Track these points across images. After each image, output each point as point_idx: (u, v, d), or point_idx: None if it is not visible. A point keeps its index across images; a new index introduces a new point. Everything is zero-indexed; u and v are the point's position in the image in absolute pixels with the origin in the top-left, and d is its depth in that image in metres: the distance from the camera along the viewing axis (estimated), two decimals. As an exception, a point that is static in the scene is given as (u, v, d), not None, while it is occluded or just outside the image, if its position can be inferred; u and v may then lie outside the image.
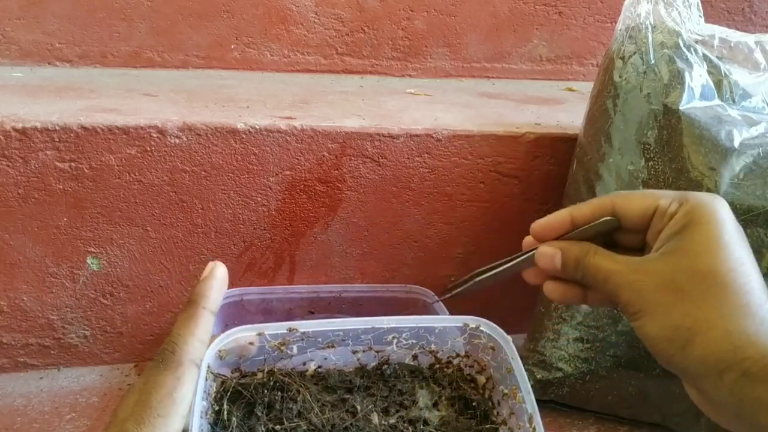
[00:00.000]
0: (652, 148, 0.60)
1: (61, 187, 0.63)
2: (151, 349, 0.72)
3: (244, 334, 0.43)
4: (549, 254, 0.40)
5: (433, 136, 0.69)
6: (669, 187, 0.59)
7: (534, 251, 0.41)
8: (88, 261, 0.66)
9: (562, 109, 0.88)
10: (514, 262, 0.42)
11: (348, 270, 0.74)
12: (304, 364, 0.46)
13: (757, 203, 0.56)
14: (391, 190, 0.71)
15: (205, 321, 0.39)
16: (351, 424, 0.44)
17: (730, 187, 0.57)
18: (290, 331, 0.44)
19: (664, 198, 0.37)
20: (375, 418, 0.45)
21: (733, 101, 0.61)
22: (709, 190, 0.57)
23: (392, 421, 0.45)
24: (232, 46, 0.98)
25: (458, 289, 0.42)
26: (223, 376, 0.44)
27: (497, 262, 0.42)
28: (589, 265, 0.39)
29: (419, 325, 0.46)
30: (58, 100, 0.70)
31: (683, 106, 0.58)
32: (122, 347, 0.72)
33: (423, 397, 0.47)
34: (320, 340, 0.45)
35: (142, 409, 0.35)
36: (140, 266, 0.68)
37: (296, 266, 0.72)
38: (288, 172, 0.68)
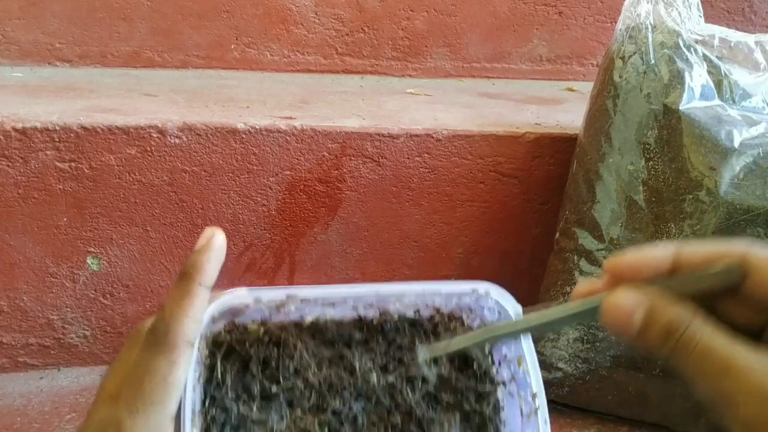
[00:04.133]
0: (652, 148, 0.60)
1: (61, 187, 0.63)
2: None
3: (240, 300, 0.40)
4: (627, 307, 0.28)
5: (433, 136, 0.69)
6: (669, 186, 0.59)
7: (598, 298, 0.28)
8: (88, 261, 0.66)
9: (562, 109, 0.88)
10: (562, 315, 0.29)
11: (348, 270, 0.74)
12: (301, 317, 0.44)
13: (757, 203, 0.56)
14: (391, 190, 0.71)
15: (201, 298, 0.35)
16: (349, 382, 0.43)
17: (730, 187, 0.57)
18: (289, 297, 0.42)
19: None
20: (373, 377, 0.43)
21: (733, 101, 0.61)
22: (709, 190, 0.57)
23: (391, 379, 0.44)
24: (232, 46, 0.98)
25: (467, 336, 0.35)
26: (217, 332, 0.42)
27: (542, 313, 0.30)
28: (692, 344, 0.26)
29: (425, 291, 0.44)
30: (58, 100, 0.70)
31: (683, 106, 0.58)
32: (122, 347, 0.72)
33: (422, 353, 0.45)
34: (320, 302, 0.43)
35: (134, 395, 0.33)
36: (140, 266, 0.68)
37: (296, 266, 0.72)
38: (288, 172, 0.68)
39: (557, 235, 0.67)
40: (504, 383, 0.45)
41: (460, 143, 0.70)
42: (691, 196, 0.58)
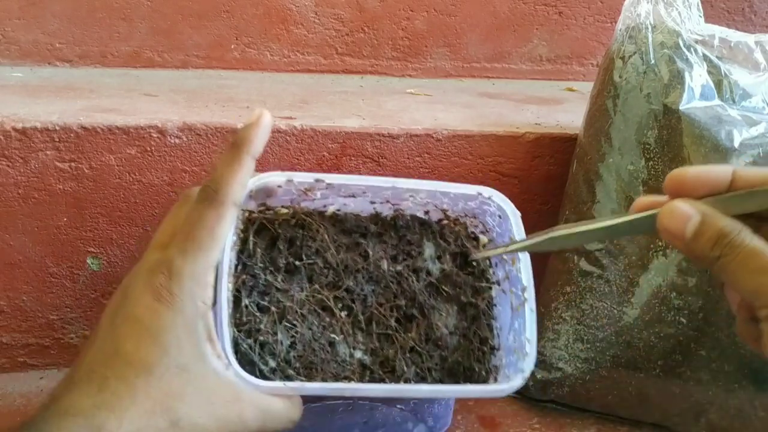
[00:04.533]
0: (652, 148, 0.60)
1: (61, 187, 0.63)
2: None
3: (274, 179, 0.45)
4: (684, 214, 0.30)
5: (433, 136, 0.69)
6: (669, 187, 0.59)
7: (655, 211, 0.31)
8: (88, 261, 0.66)
9: (562, 109, 0.88)
10: (618, 221, 0.32)
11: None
12: (325, 206, 0.49)
13: (757, 203, 0.56)
14: (391, 190, 0.71)
15: (248, 166, 0.39)
16: (362, 267, 0.48)
17: (730, 187, 0.57)
18: (317, 181, 0.46)
19: None
20: (384, 264, 0.48)
21: (733, 101, 0.61)
22: (709, 190, 0.57)
23: (399, 268, 0.48)
24: (232, 46, 0.98)
25: (525, 243, 0.36)
26: (250, 210, 0.47)
27: (589, 220, 0.33)
28: (741, 246, 0.29)
29: (437, 189, 0.48)
30: (58, 100, 0.70)
31: (683, 106, 0.58)
32: (122, 347, 0.72)
33: (429, 249, 0.50)
34: (343, 190, 0.48)
35: (185, 240, 0.37)
36: (140, 266, 0.68)
37: (296, 266, 0.72)
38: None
39: (557, 235, 0.67)
40: (498, 282, 0.50)
41: (460, 143, 0.70)
42: (691, 196, 0.58)
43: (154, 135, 0.63)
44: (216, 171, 0.39)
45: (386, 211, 0.50)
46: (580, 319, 0.63)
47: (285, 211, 0.48)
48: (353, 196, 0.48)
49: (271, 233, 0.47)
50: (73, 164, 0.62)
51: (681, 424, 0.64)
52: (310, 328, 0.45)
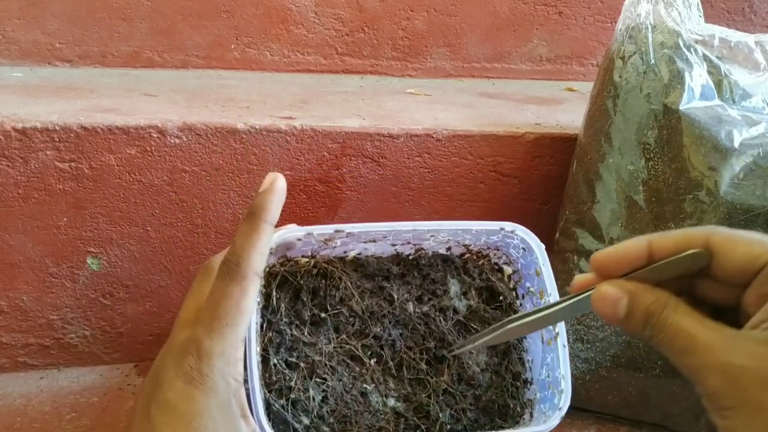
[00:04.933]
0: (652, 148, 0.60)
1: (61, 187, 0.63)
2: (151, 349, 0.72)
3: (294, 234, 0.45)
4: (612, 298, 0.31)
5: (433, 136, 0.69)
6: (669, 186, 0.59)
7: (590, 292, 0.32)
8: (88, 261, 0.66)
9: (562, 109, 0.88)
10: (560, 306, 0.34)
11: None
12: (345, 252, 0.48)
13: (757, 203, 0.56)
14: (391, 190, 0.71)
15: (267, 234, 0.39)
16: (388, 311, 0.47)
17: (730, 187, 0.57)
18: (336, 231, 0.46)
19: None
20: (410, 307, 0.48)
21: (733, 101, 0.61)
22: (708, 190, 0.57)
23: (425, 309, 0.48)
24: (232, 46, 0.98)
25: (485, 338, 0.37)
26: (271, 264, 0.47)
27: (540, 308, 0.35)
28: (666, 325, 0.30)
29: (458, 227, 0.48)
30: (58, 100, 0.70)
31: (683, 106, 0.58)
32: (122, 347, 0.72)
33: (453, 286, 0.50)
34: (363, 237, 0.47)
35: (212, 318, 0.37)
36: (140, 266, 0.68)
37: (296, 266, 0.72)
38: (288, 172, 0.68)
39: (557, 235, 0.67)
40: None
41: (460, 143, 0.70)
42: (691, 196, 0.58)
43: (154, 135, 0.63)
44: (235, 243, 0.38)
45: (408, 250, 0.50)
46: (580, 319, 0.63)
47: (306, 260, 0.47)
48: (374, 241, 0.48)
49: (293, 285, 0.46)
50: (73, 164, 0.62)
51: (681, 424, 0.64)
52: (340, 380, 0.44)
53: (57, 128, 0.61)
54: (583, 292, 0.33)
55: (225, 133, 0.64)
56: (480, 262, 0.51)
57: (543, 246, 0.47)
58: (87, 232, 0.65)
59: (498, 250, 0.51)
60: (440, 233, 0.48)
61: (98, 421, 0.63)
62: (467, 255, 0.51)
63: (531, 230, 0.49)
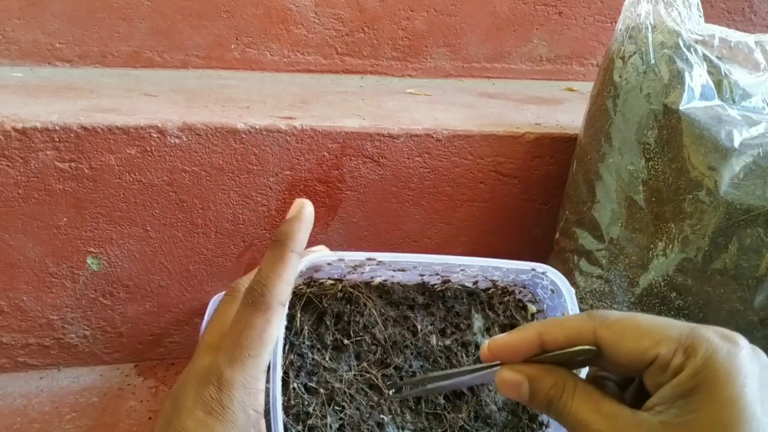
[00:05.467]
0: (652, 148, 0.60)
1: (61, 187, 0.63)
2: (151, 349, 0.72)
3: (326, 258, 0.44)
4: (513, 383, 0.33)
5: (433, 136, 0.69)
6: (669, 186, 0.59)
7: (497, 367, 0.34)
8: (88, 261, 0.66)
9: (562, 109, 0.88)
10: (472, 375, 0.36)
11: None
12: (372, 278, 0.48)
13: (757, 203, 0.56)
14: (391, 190, 0.71)
15: (292, 263, 0.38)
16: (411, 342, 0.47)
17: (730, 187, 0.57)
18: (368, 259, 0.45)
19: (666, 345, 0.29)
20: (433, 339, 0.47)
21: (733, 101, 0.61)
22: (708, 190, 0.57)
23: (448, 342, 0.48)
24: (232, 46, 0.98)
25: (408, 392, 0.41)
26: (296, 285, 0.46)
27: (454, 370, 0.37)
28: (565, 413, 0.32)
29: (489, 264, 0.48)
30: (58, 100, 0.70)
31: (683, 106, 0.58)
32: (122, 347, 0.72)
33: (477, 321, 0.49)
34: (392, 266, 0.47)
35: (234, 347, 0.36)
36: (140, 266, 0.68)
37: (296, 266, 0.72)
38: (288, 172, 0.68)
39: (557, 235, 0.67)
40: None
41: (460, 143, 0.70)
42: (691, 196, 0.58)
43: (154, 135, 0.63)
44: (261, 272, 0.38)
45: (434, 280, 0.49)
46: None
47: (331, 283, 0.46)
48: (403, 270, 0.47)
49: (318, 308, 0.46)
50: (73, 164, 0.62)
51: None
52: (358, 409, 0.44)
53: (57, 128, 0.61)
54: (491, 365, 0.34)
55: (225, 133, 0.64)
56: (506, 299, 0.51)
57: (573, 290, 0.47)
58: (87, 232, 0.65)
59: (525, 288, 0.51)
60: (471, 268, 0.48)
61: (98, 421, 0.63)
62: (492, 290, 0.51)
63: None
